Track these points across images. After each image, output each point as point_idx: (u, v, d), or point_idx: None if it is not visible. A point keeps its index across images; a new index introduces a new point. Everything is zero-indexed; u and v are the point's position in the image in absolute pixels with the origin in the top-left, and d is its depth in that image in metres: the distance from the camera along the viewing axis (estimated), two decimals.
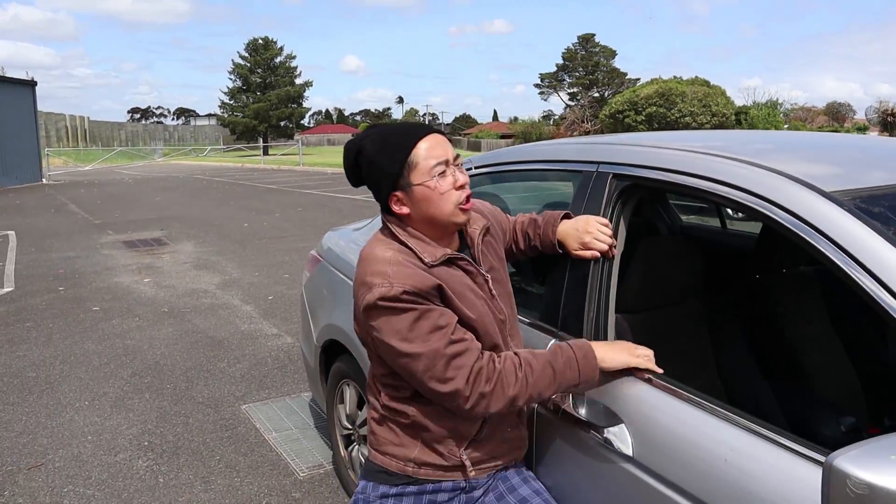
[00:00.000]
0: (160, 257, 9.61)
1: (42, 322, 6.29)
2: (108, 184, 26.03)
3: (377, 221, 2.63)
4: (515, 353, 1.66)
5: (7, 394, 4.54)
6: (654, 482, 1.54)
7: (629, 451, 1.60)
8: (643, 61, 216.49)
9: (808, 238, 1.45)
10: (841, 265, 1.38)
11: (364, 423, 2.85)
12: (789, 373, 2.23)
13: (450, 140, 1.76)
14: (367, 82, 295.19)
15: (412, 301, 1.57)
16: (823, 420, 2.01)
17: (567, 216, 2.02)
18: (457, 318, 1.63)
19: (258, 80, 70.01)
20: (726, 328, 2.26)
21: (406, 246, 1.66)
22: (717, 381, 2.16)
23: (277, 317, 6.35)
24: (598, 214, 1.97)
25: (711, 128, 37.99)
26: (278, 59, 71.07)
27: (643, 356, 1.72)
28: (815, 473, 1.25)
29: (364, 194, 17.37)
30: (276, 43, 70.87)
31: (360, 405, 2.91)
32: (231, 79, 71.22)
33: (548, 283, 2.10)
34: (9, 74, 27.75)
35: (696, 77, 43.44)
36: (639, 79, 69.63)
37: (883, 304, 1.31)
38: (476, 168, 2.66)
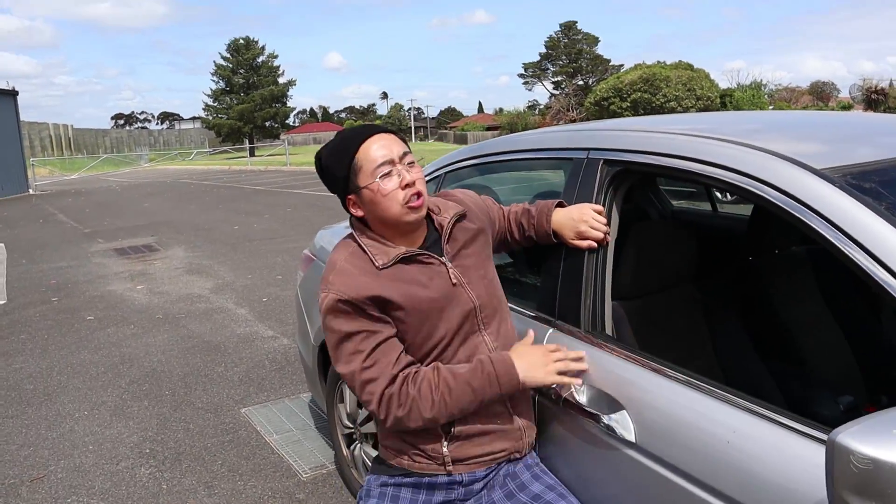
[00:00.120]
0: (152, 264, 9.57)
1: (37, 333, 6.26)
2: (96, 192, 25.88)
3: None
4: (436, 371, 1.67)
5: (5, 407, 4.52)
6: (658, 467, 1.54)
7: (632, 438, 1.61)
8: (626, 47, 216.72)
9: (800, 216, 1.45)
10: (835, 242, 1.39)
11: (364, 421, 2.86)
12: (785, 353, 2.25)
13: (402, 139, 1.75)
14: (350, 79, 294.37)
15: (345, 312, 1.64)
16: (821, 400, 2.03)
17: (560, 205, 2.01)
18: (382, 337, 1.66)
19: (241, 80, 69.74)
20: (721, 311, 2.27)
21: (362, 248, 1.71)
22: (714, 364, 2.17)
23: (273, 319, 6.34)
24: (590, 201, 1.96)
25: (697, 111, 38.07)
26: (260, 59, 70.83)
27: (557, 371, 1.72)
28: (817, 451, 1.26)
29: None
30: (257, 42, 70.65)
31: (360, 404, 2.91)
32: (214, 80, 71.01)
33: (543, 272, 2.09)
34: None
35: (680, 61, 43.52)
36: (622, 65, 69.61)
37: (878, 280, 1.31)
38: (464, 160, 2.66)
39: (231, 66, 69.92)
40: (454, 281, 1.74)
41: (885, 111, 33.18)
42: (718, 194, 3.43)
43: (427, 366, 1.72)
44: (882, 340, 2.34)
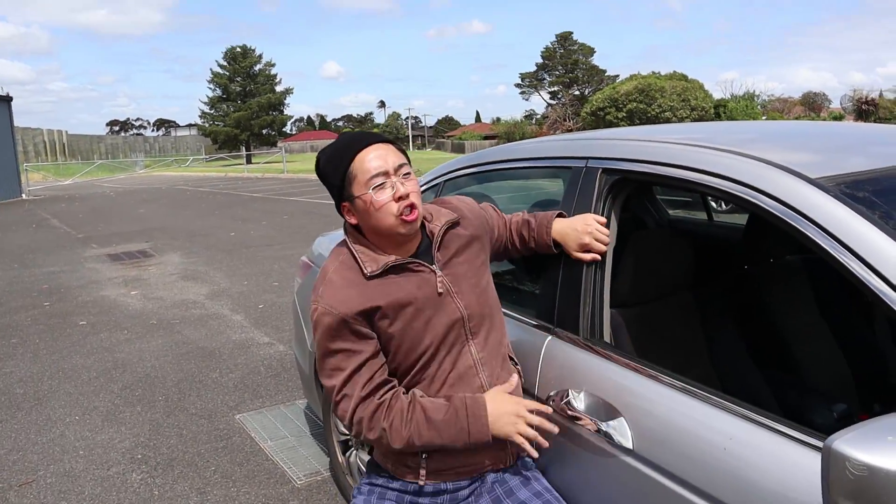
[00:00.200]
0: (146, 269, 9.55)
1: (28, 338, 6.23)
2: (90, 197, 25.83)
3: None
4: (411, 407, 1.68)
5: None
6: (656, 474, 1.54)
7: (629, 445, 1.61)
8: (622, 58, 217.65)
9: (796, 225, 1.47)
10: (829, 250, 1.40)
11: None
12: (780, 361, 2.26)
13: (400, 149, 1.74)
14: (348, 88, 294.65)
15: (330, 327, 1.66)
16: (815, 407, 2.03)
17: (560, 216, 2.01)
18: (363, 358, 1.68)
19: (238, 88, 69.90)
20: (717, 319, 2.28)
21: (353, 254, 1.72)
22: (710, 372, 2.18)
23: (269, 325, 6.32)
24: (589, 209, 1.97)
25: (691, 122, 38.23)
26: (257, 67, 71.01)
27: (524, 433, 1.70)
28: (814, 458, 1.26)
29: None
30: (254, 51, 70.87)
31: None
32: (210, 88, 71.17)
33: (542, 280, 2.10)
34: None
35: (675, 72, 43.79)
36: (618, 75, 69.97)
37: (872, 288, 1.33)
38: (462, 168, 2.66)
39: (228, 73, 70.09)
40: (440, 290, 1.74)
41: (875, 121, 33.40)
42: (714, 204, 3.45)
43: (408, 387, 1.75)
44: (876, 349, 2.35)
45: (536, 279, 2.20)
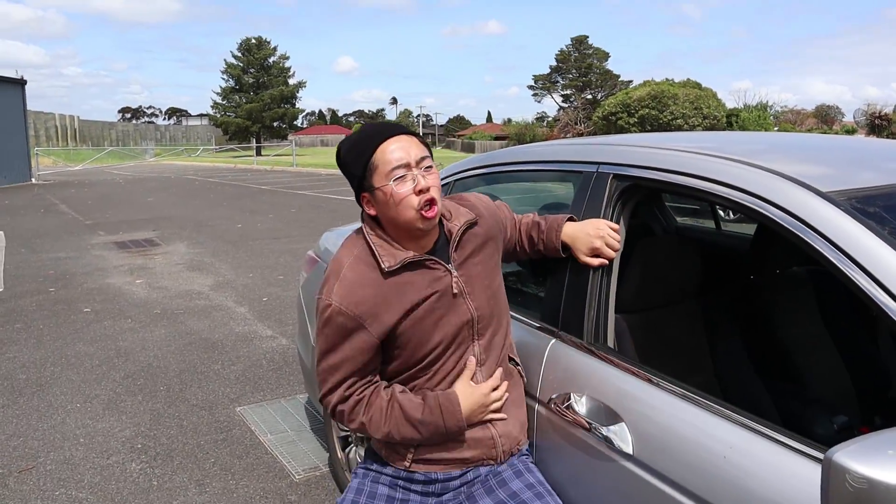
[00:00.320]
0: (152, 258, 9.58)
1: (32, 323, 6.25)
2: (99, 184, 25.93)
3: None
4: (390, 405, 1.73)
5: None
6: (655, 480, 1.54)
7: (629, 450, 1.61)
8: (636, 63, 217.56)
9: (805, 238, 1.47)
10: (838, 264, 1.40)
11: None
12: (783, 372, 2.25)
13: (423, 142, 1.74)
14: (360, 83, 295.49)
15: (334, 322, 1.69)
16: (817, 419, 2.03)
17: (571, 219, 2.01)
18: (359, 355, 1.71)
19: (251, 80, 70.01)
20: (722, 328, 2.28)
21: (371, 247, 1.71)
22: (713, 380, 2.17)
23: (272, 318, 6.34)
24: (598, 214, 1.97)
25: (703, 130, 38.15)
26: (271, 60, 71.12)
27: (493, 410, 1.79)
28: (813, 469, 1.26)
29: None
30: (269, 43, 70.90)
31: None
32: (224, 79, 71.29)
33: (548, 283, 2.10)
34: None
35: (688, 79, 43.76)
36: (631, 81, 69.84)
37: (879, 304, 1.33)
38: (473, 169, 2.66)
39: (242, 65, 70.20)
40: (455, 291, 1.74)
41: (888, 136, 33.25)
42: (722, 212, 3.44)
43: (407, 382, 1.78)
44: (879, 362, 2.35)
45: (542, 282, 2.20)
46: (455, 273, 1.75)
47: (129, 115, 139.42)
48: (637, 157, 1.97)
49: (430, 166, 1.70)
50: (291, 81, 71.61)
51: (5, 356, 5.33)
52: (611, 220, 1.95)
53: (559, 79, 78.91)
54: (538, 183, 2.69)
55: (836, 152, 2.16)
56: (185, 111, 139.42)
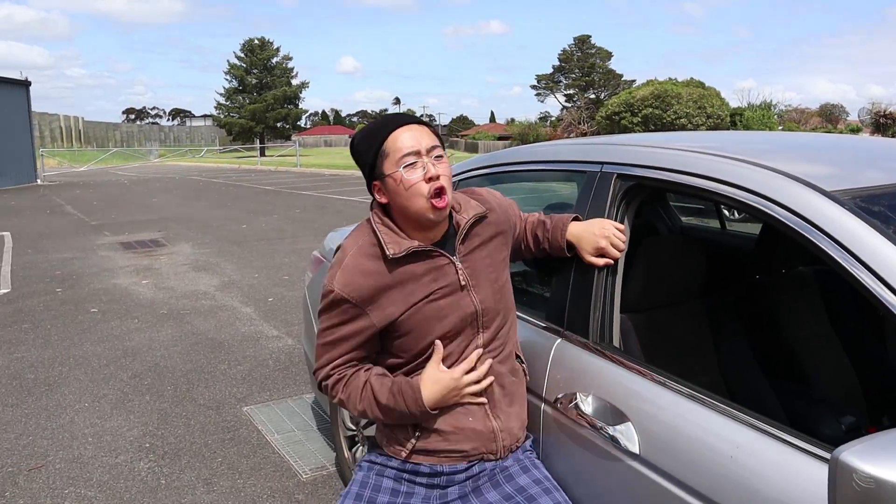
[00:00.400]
0: (158, 259, 9.60)
1: (40, 324, 6.28)
2: (104, 185, 25.99)
3: None
4: (365, 386, 1.76)
5: (6, 395, 4.53)
6: (661, 480, 1.55)
7: (636, 449, 1.61)
8: (639, 63, 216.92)
9: (810, 237, 1.47)
10: (843, 264, 1.40)
11: (367, 424, 2.87)
12: (790, 372, 2.25)
13: (435, 132, 1.75)
14: (363, 83, 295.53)
15: (335, 306, 1.73)
16: (824, 419, 2.03)
17: (576, 219, 2.01)
18: (352, 338, 1.75)
19: (254, 80, 70.04)
20: (727, 327, 2.28)
21: (377, 235, 1.73)
22: (719, 380, 2.18)
23: (278, 318, 6.35)
24: (603, 214, 1.97)
25: (707, 129, 38.08)
26: (274, 60, 71.13)
27: (469, 393, 1.77)
28: (820, 470, 1.26)
29: (362, 196, 17.38)
30: (272, 44, 70.93)
31: None
32: (227, 79, 71.34)
33: (553, 283, 2.10)
34: (2, 74, 27.68)
35: (692, 78, 43.63)
36: (634, 80, 69.60)
37: (885, 303, 1.33)
38: (477, 169, 2.67)
39: (245, 65, 70.23)
40: (462, 283, 1.75)
41: (893, 135, 33.14)
42: (726, 212, 3.44)
43: (411, 372, 1.79)
44: (886, 361, 2.34)
45: (548, 281, 2.20)
46: (460, 265, 1.76)
47: (133, 116, 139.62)
48: (641, 156, 1.98)
49: (441, 156, 1.71)
50: (294, 82, 71.63)
51: (14, 356, 5.36)
52: (615, 220, 1.95)
53: (562, 78, 78.69)
54: (542, 183, 2.69)
55: (841, 151, 2.16)
56: (189, 112, 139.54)
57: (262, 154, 52.92)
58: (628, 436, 1.64)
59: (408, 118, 1.74)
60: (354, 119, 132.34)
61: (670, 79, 44.05)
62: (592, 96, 73.46)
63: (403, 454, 1.82)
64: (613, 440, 1.66)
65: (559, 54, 77.91)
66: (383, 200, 1.75)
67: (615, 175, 2.00)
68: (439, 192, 1.66)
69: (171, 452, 3.70)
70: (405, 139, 1.68)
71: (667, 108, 39.08)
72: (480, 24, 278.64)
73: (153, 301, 7.09)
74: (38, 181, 28.06)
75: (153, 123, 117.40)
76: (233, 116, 69.11)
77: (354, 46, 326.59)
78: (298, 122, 77.26)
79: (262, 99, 68.33)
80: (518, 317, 2.14)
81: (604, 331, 1.88)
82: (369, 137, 1.72)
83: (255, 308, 6.74)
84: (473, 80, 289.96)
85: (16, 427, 4.05)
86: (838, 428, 1.97)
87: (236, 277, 8.22)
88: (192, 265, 9.07)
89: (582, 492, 1.81)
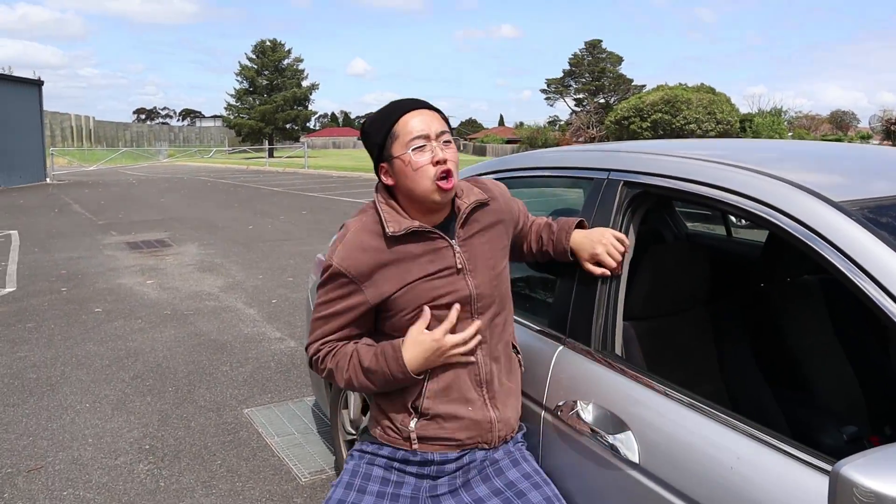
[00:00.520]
0: (163, 259, 9.62)
1: (44, 323, 6.29)
2: (113, 184, 26.12)
3: None
4: (353, 354, 1.77)
5: (7, 395, 4.54)
6: (661, 489, 1.53)
7: (635, 458, 1.59)
8: (649, 68, 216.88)
9: (816, 248, 1.45)
10: (849, 275, 1.38)
11: (365, 430, 2.84)
12: (793, 380, 2.24)
13: (445, 118, 1.76)
14: (373, 86, 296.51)
15: (333, 280, 1.74)
16: (826, 428, 2.02)
17: (581, 224, 2.00)
18: (345, 313, 1.75)
19: (265, 82, 70.35)
20: (731, 336, 2.26)
21: (379, 214, 1.75)
22: (722, 388, 2.16)
23: (281, 320, 6.35)
24: (608, 221, 1.96)
25: (716, 135, 38.04)
26: (286, 62, 71.45)
27: (453, 354, 1.74)
28: (821, 482, 1.24)
29: (369, 198, 17.39)
30: (283, 45, 71.24)
31: (364, 410, 2.90)
32: (238, 80, 71.72)
33: (556, 289, 2.09)
34: (16, 73, 27.88)
35: (702, 84, 43.60)
36: (644, 85, 69.72)
37: (890, 315, 1.31)
38: (487, 173, 2.66)
39: (256, 67, 70.56)
40: (459, 266, 1.75)
41: None
42: (733, 218, 3.42)
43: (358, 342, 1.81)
44: (889, 372, 2.32)
45: (550, 287, 2.19)
46: (458, 248, 1.77)
47: (143, 116, 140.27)
48: (647, 164, 1.96)
49: (449, 141, 1.73)
50: (305, 83, 71.91)
51: (17, 355, 5.36)
52: (621, 227, 1.94)
53: (572, 83, 78.74)
54: (549, 189, 2.68)
55: (850, 161, 2.15)
56: (199, 112, 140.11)
57: (271, 155, 53.08)
58: (628, 444, 1.62)
59: (419, 103, 1.76)
60: (363, 121, 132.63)
61: (680, 84, 44.03)
62: (602, 101, 73.49)
63: (398, 441, 1.81)
64: (613, 449, 1.64)
65: (570, 58, 78.05)
66: (389, 182, 1.77)
67: (622, 182, 1.99)
68: (446, 175, 1.68)
69: (171, 454, 3.69)
70: (415, 123, 1.70)
71: (676, 114, 39.07)
72: (491, 28, 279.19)
73: (157, 301, 7.10)
74: (48, 180, 28.22)
75: (163, 123, 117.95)
76: (242, 117, 69.41)
77: (365, 49, 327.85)
78: (307, 124, 77.53)
79: (272, 100, 68.62)
80: (520, 323, 2.13)
81: (606, 338, 1.86)
82: (380, 119, 1.75)
83: (258, 309, 6.74)
84: (483, 84, 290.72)
85: (16, 427, 4.04)
86: (840, 438, 1.96)
87: (241, 278, 8.23)
88: (198, 266, 9.09)
89: (581, 500, 1.79)
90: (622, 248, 1.89)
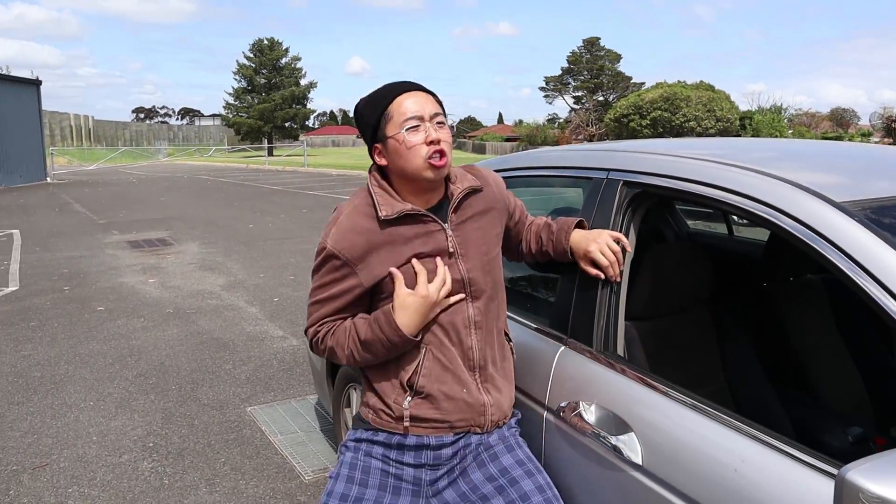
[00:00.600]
0: (165, 258, 9.63)
1: (47, 322, 6.30)
2: (113, 183, 26.09)
3: None
4: (351, 328, 1.78)
5: (12, 393, 4.55)
6: (664, 491, 1.53)
7: (638, 460, 1.60)
8: (648, 65, 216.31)
9: (818, 248, 1.45)
10: (851, 275, 1.38)
11: None
12: (796, 381, 2.24)
13: (439, 101, 1.77)
14: (372, 84, 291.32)
15: (327, 262, 1.75)
16: (831, 429, 2.01)
17: (581, 224, 2.01)
18: (340, 295, 1.76)
19: (263, 80, 70.21)
20: (734, 335, 2.26)
21: (372, 197, 1.75)
22: (725, 389, 2.16)
23: (283, 319, 6.36)
24: (608, 221, 1.96)
25: (716, 132, 37.99)
26: (283, 60, 71.30)
27: (444, 305, 1.76)
28: (826, 485, 1.25)
29: None
30: (281, 44, 71.05)
31: None
32: (236, 79, 71.56)
33: (558, 289, 2.09)
34: (14, 73, 27.81)
35: (701, 81, 43.55)
36: (644, 83, 69.50)
37: (893, 315, 1.31)
38: None
39: (254, 65, 70.43)
40: (451, 250, 1.76)
41: None
42: (735, 217, 3.42)
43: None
44: (893, 371, 2.32)
45: (552, 287, 2.19)
46: (450, 232, 1.77)
47: (142, 115, 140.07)
48: (647, 164, 1.96)
49: (442, 122, 1.74)
50: (303, 82, 71.77)
51: (20, 354, 5.37)
52: (620, 227, 1.94)
53: (571, 80, 78.59)
54: (549, 188, 2.69)
55: (851, 160, 2.14)
56: (198, 111, 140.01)
57: (270, 154, 53.01)
58: (631, 446, 1.62)
59: (413, 85, 1.76)
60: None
61: (679, 81, 43.98)
62: (601, 98, 73.38)
63: (392, 423, 1.81)
64: (616, 450, 1.65)
65: (568, 56, 77.88)
66: (382, 163, 1.77)
67: (621, 182, 1.99)
68: (439, 154, 1.69)
69: (175, 452, 3.70)
70: (409, 104, 1.71)
71: (676, 111, 39.01)
72: (489, 26, 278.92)
73: (159, 300, 7.11)
74: (48, 179, 28.20)
75: (162, 122, 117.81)
76: (241, 116, 69.30)
77: (363, 47, 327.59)
78: (306, 122, 77.37)
79: (270, 99, 68.50)
80: (522, 323, 2.13)
81: (608, 339, 1.87)
82: (374, 101, 1.76)
83: (260, 308, 6.75)
84: (482, 82, 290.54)
85: (21, 425, 4.06)
86: (845, 439, 1.95)
87: (242, 277, 8.23)
88: (199, 264, 9.09)
89: (584, 501, 1.79)
90: (617, 248, 1.89)
